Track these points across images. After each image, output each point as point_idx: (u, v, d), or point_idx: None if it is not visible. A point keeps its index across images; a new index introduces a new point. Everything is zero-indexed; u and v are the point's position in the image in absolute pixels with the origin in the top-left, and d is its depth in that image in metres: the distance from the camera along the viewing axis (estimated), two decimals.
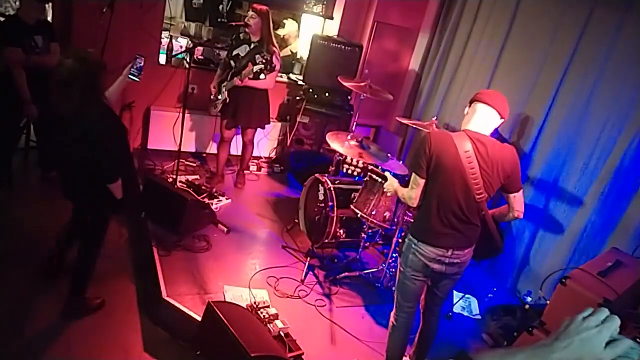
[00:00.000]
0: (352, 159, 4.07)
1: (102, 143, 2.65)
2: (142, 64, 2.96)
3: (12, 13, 4.81)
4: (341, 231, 3.81)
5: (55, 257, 3.22)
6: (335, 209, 3.75)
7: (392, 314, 2.81)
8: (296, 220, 4.26)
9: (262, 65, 4.03)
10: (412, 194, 2.54)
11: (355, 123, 4.43)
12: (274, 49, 4.25)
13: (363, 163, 3.95)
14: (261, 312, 2.98)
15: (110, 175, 2.75)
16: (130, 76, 2.96)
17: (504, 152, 2.52)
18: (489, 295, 3.92)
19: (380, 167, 3.86)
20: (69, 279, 3.01)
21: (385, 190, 3.04)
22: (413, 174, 2.52)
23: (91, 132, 2.62)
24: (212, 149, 5.15)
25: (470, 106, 2.59)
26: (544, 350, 1.00)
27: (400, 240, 2.74)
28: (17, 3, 4.60)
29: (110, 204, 2.84)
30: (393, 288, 2.91)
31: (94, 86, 2.61)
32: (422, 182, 2.50)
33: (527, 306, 3.42)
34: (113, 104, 2.90)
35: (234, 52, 4.32)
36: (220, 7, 6.04)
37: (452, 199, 2.49)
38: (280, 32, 5.71)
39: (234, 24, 4.69)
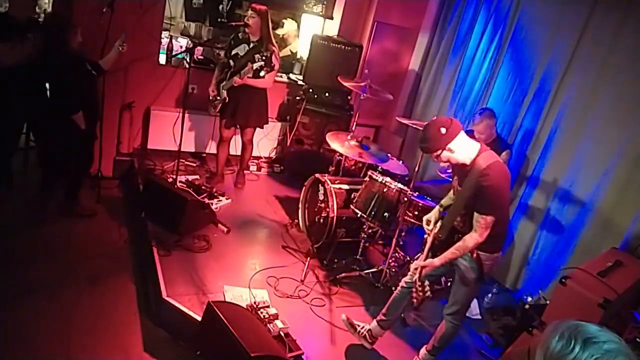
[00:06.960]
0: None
1: (63, 80, 3.59)
2: (125, 38, 3.81)
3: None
4: (341, 231, 3.81)
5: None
6: (335, 209, 3.75)
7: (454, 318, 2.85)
8: (296, 220, 4.26)
9: (263, 62, 4.03)
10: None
11: (355, 123, 4.43)
12: (273, 48, 4.25)
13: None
14: (261, 312, 2.98)
15: (72, 108, 3.67)
16: (120, 48, 3.78)
17: None
18: (489, 295, 3.92)
19: (380, 168, 3.87)
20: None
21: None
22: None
23: (56, 70, 3.56)
24: (212, 149, 5.15)
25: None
26: None
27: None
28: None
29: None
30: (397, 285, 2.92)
31: (62, 35, 3.51)
32: None
33: (527, 306, 3.42)
34: (107, 69, 3.79)
35: (233, 52, 4.32)
36: (220, 7, 6.04)
37: None
38: (279, 31, 5.71)
39: (233, 24, 4.69)
